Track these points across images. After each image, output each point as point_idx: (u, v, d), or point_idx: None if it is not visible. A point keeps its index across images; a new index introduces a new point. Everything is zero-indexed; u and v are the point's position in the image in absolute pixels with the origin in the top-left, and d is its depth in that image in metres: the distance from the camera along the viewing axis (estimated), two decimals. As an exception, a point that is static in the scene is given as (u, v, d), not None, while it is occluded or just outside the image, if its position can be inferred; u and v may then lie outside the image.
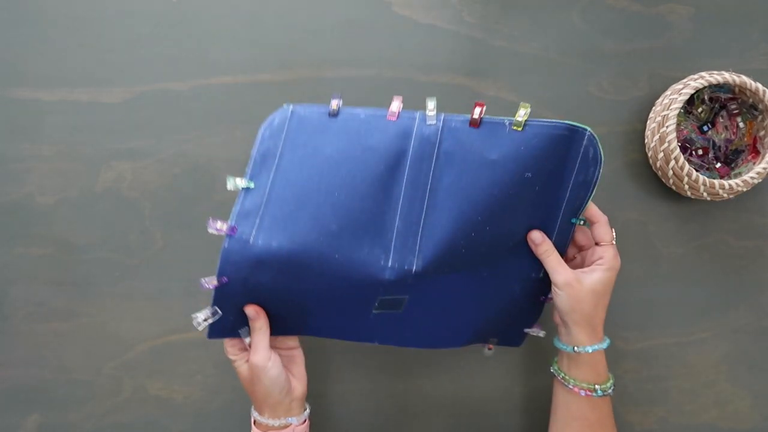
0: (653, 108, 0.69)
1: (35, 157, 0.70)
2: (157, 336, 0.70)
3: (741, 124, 0.69)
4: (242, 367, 0.59)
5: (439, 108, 0.71)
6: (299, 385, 0.60)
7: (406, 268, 0.57)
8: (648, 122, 0.69)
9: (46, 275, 0.70)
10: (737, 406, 0.71)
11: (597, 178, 0.58)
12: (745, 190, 0.65)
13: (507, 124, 0.57)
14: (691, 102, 0.70)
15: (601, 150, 0.57)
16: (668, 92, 0.68)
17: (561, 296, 0.57)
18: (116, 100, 0.71)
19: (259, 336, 0.58)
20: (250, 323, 0.59)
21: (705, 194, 0.66)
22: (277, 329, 0.61)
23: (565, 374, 0.59)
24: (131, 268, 0.70)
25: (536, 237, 0.60)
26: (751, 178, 0.64)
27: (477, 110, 0.57)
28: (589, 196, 0.58)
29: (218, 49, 0.71)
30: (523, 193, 0.58)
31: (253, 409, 0.60)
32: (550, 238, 0.60)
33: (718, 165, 0.70)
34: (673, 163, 0.65)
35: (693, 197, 0.68)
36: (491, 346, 0.66)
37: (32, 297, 0.70)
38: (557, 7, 0.72)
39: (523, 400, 0.70)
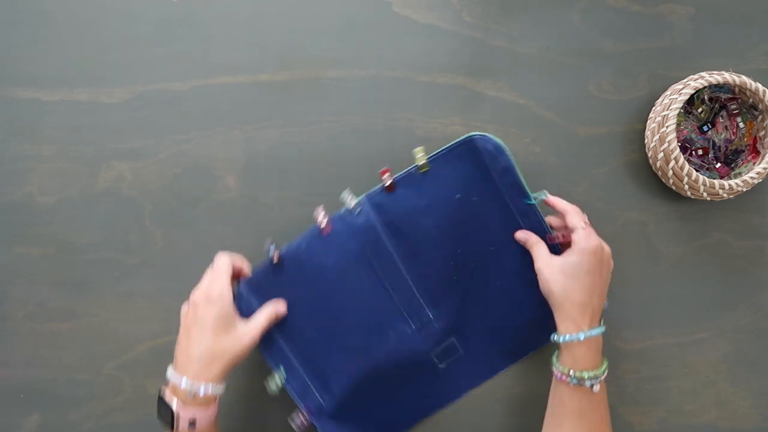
0: (653, 108, 0.69)
1: (35, 157, 0.70)
2: (157, 336, 0.70)
3: (741, 124, 0.69)
4: (247, 332, 0.59)
5: (440, 109, 0.71)
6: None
7: (425, 319, 0.66)
8: (648, 122, 0.69)
9: (46, 275, 0.70)
10: (737, 406, 0.71)
11: (511, 162, 0.63)
12: (745, 190, 0.65)
13: (414, 171, 0.64)
14: (691, 102, 0.70)
15: (498, 139, 0.63)
16: (668, 92, 0.68)
17: (539, 280, 0.61)
18: (116, 100, 0.71)
19: (268, 319, 0.61)
20: (272, 307, 0.61)
21: (705, 194, 0.66)
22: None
23: (554, 358, 0.60)
24: (131, 268, 0.70)
25: (520, 236, 0.65)
26: (751, 178, 0.64)
27: (385, 177, 0.63)
28: (519, 177, 0.64)
29: (218, 49, 0.71)
30: (467, 209, 0.65)
31: (192, 382, 0.55)
32: (517, 226, 0.65)
33: (718, 165, 0.70)
34: (673, 163, 0.65)
35: (693, 197, 0.68)
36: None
37: (32, 297, 0.70)
38: (557, 7, 0.72)
39: (523, 400, 0.70)
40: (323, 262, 0.64)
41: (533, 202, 0.64)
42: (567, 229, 0.62)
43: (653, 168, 0.70)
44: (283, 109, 0.71)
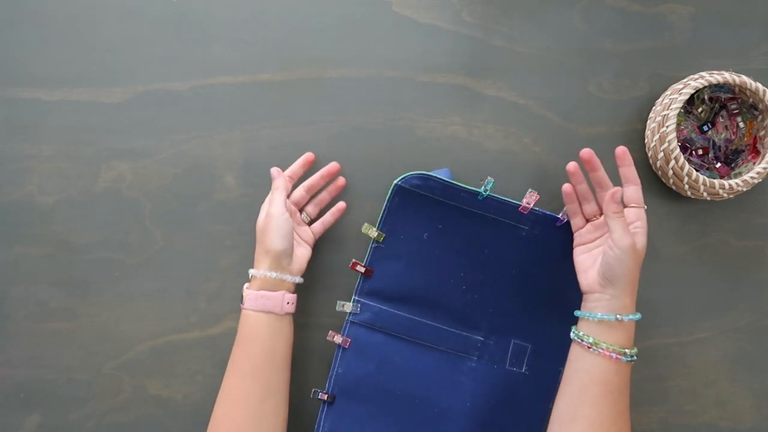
0: (653, 108, 0.69)
1: (35, 157, 0.70)
2: (157, 336, 0.70)
3: (741, 124, 0.69)
4: (262, 218, 0.64)
5: (440, 109, 0.71)
6: (301, 255, 0.65)
7: (479, 345, 0.67)
8: (648, 122, 0.69)
9: (46, 275, 0.70)
10: (737, 406, 0.71)
11: (442, 180, 0.64)
12: (745, 190, 0.65)
13: (375, 246, 0.66)
14: (691, 102, 0.70)
15: (418, 172, 0.64)
16: (668, 92, 0.68)
17: (622, 260, 0.57)
18: (116, 100, 0.71)
19: (276, 194, 0.63)
20: (273, 182, 0.65)
21: (705, 194, 0.66)
22: None
23: (594, 339, 0.58)
24: (131, 268, 0.70)
25: (611, 205, 0.58)
26: (751, 178, 0.64)
27: (358, 267, 0.66)
28: (458, 185, 0.64)
29: (218, 49, 0.71)
30: (441, 238, 0.66)
31: (251, 270, 0.63)
32: (490, 220, 0.65)
33: (718, 165, 0.70)
34: (673, 163, 0.65)
35: (693, 197, 0.68)
36: None
37: (32, 297, 0.70)
38: (557, 7, 0.72)
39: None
40: (365, 371, 0.66)
41: (485, 194, 0.64)
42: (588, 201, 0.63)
43: (653, 168, 0.70)
44: (283, 109, 0.71)
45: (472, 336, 0.67)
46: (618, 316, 0.57)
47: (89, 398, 0.69)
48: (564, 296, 0.65)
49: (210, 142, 0.71)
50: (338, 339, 0.66)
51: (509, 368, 0.67)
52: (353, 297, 0.67)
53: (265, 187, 0.70)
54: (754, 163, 0.68)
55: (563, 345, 0.61)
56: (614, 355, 0.57)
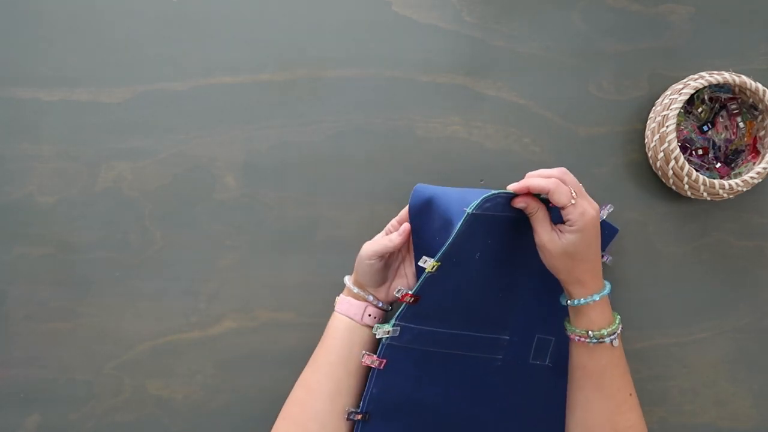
0: (653, 108, 0.69)
1: (35, 157, 0.70)
2: (157, 336, 0.70)
3: (741, 124, 0.69)
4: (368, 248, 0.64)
5: (440, 109, 0.71)
6: (397, 283, 0.66)
7: (504, 344, 0.66)
8: (648, 122, 0.69)
9: (46, 275, 0.70)
10: (737, 406, 0.71)
11: (489, 196, 0.59)
12: (745, 190, 0.65)
13: (428, 276, 0.60)
14: (691, 102, 0.70)
15: (470, 207, 0.58)
16: (668, 92, 0.68)
17: (542, 255, 0.59)
18: (116, 100, 0.71)
19: (397, 238, 0.64)
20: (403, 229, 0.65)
21: (705, 194, 0.66)
22: None
23: (568, 324, 0.59)
24: (131, 268, 0.70)
25: (520, 204, 0.58)
26: (751, 178, 0.64)
27: (407, 298, 0.61)
28: (510, 192, 0.59)
29: (218, 49, 0.71)
30: (492, 254, 0.62)
31: (346, 277, 0.66)
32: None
33: (718, 165, 0.70)
34: (673, 163, 0.65)
35: (693, 197, 0.68)
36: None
37: (32, 297, 0.70)
38: (557, 7, 0.72)
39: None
40: (400, 389, 0.64)
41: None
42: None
43: (653, 168, 0.70)
44: (283, 109, 0.71)
45: (500, 336, 0.66)
46: (568, 301, 0.58)
47: (89, 398, 0.69)
48: None
49: (210, 142, 0.71)
50: (374, 361, 0.63)
51: (533, 362, 0.66)
52: (394, 321, 0.62)
53: (264, 187, 0.71)
54: (754, 163, 0.68)
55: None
56: (577, 338, 0.58)
